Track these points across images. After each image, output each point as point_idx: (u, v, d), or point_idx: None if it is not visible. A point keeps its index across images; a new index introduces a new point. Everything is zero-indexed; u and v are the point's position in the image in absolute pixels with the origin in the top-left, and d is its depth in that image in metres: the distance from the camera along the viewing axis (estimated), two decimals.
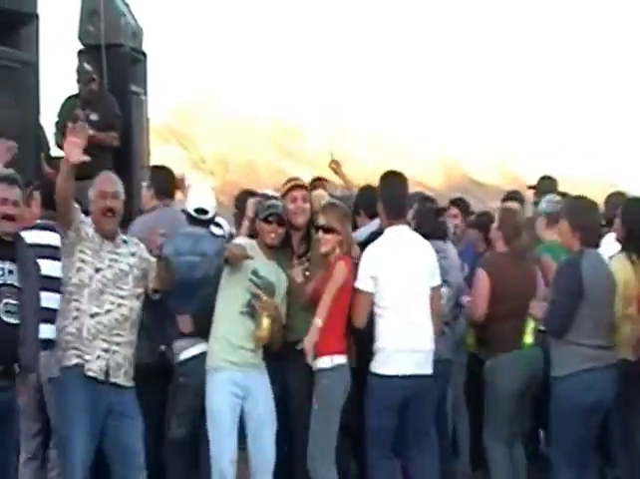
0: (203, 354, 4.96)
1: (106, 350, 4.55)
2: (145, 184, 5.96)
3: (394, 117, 24.92)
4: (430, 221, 5.46)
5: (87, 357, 4.53)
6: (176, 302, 5.04)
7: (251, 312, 4.83)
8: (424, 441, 4.97)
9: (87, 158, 4.42)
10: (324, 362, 4.82)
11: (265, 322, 4.77)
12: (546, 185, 6.93)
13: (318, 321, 4.73)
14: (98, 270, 4.59)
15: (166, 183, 5.88)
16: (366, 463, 4.99)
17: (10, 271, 4.43)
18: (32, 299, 4.48)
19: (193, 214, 5.25)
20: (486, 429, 5.33)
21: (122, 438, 4.58)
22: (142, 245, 4.80)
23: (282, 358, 4.98)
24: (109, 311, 4.58)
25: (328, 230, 4.88)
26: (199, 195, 5.40)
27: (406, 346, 4.84)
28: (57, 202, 4.54)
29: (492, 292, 5.22)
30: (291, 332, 4.97)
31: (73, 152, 4.40)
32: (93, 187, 4.73)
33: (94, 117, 7.10)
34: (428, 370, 4.93)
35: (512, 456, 5.29)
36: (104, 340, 4.55)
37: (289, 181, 5.35)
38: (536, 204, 6.50)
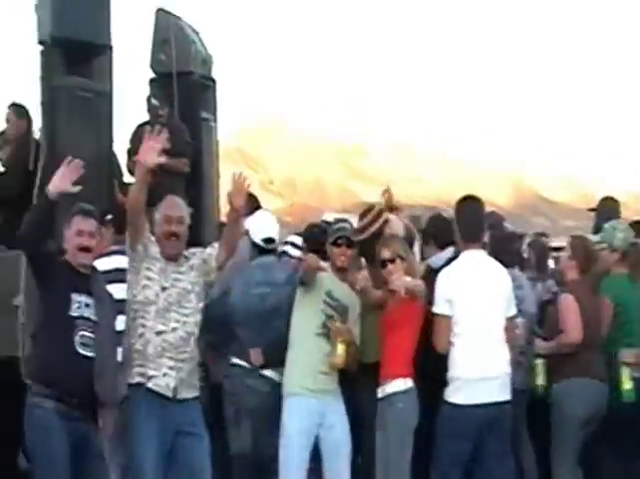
0: (251, 371, 5.05)
1: (171, 368, 4.58)
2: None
3: (459, 134, 24.85)
4: (505, 247, 5.41)
5: (152, 373, 4.55)
6: (248, 335, 5.08)
7: (327, 334, 4.85)
8: (499, 471, 4.88)
9: (163, 160, 4.46)
10: (398, 385, 4.78)
11: (340, 348, 4.78)
12: (608, 206, 6.74)
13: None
14: (164, 289, 4.63)
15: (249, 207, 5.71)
16: None
17: (87, 305, 4.54)
18: (109, 333, 4.56)
19: (262, 244, 5.26)
20: (555, 456, 5.30)
21: (190, 458, 4.61)
22: (195, 249, 4.83)
23: (354, 381, 4.98)
24: (174, 329, 4.62)
25: (395, 260, 4.87)
26: (265, 222, 5.39)
27: (480, 374, 4.78)
28: (128, 211, 4.61)
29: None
30: (363, 354, 4.96)
31: (149, 155, 4.50)
32: (158, 210, 4.80)
33: (165, 144, 7.20)
34: (504, 397, 4.85)
35: None
36: (170, 358, 4.58)
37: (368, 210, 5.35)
38: (598, 229, 6.25)
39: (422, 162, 23.89)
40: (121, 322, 4.77)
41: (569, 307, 5.27)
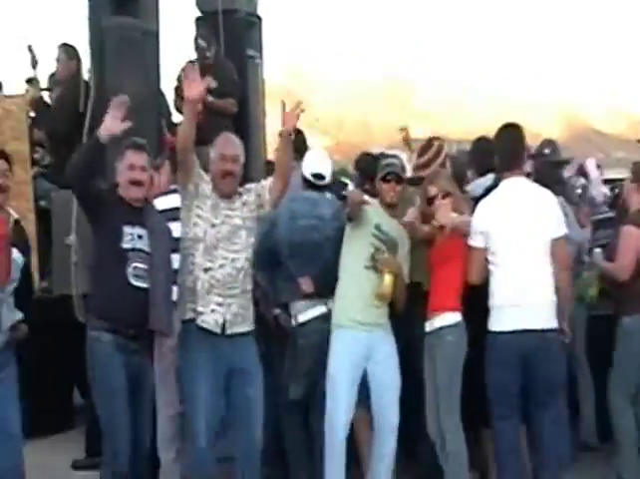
0: (323, 316, 5.02)
1: (220, 304, 4.59)
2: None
3: (508, 68, 24.44)
4: (547, 174, 5.39)
5: (201, 309, 4.57)
6: (296, 265, 5.11)
7: (375, 266, 4.85)
8: (550, 400, 4.83)
9: (207, 96, 4.48)
10: (448, 319, 4.80)
11: (387, 279, 4.79)
12: None
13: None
14: (213, 226, 4.63)
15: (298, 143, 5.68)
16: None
17: (139, 236, 4.58)
18: (162, 264, 4.60)
19: (311, 179, 5.27)
20: (612, 386, 5.27)
21: (242, 394, 4.64)
22: (251, 185, 4.85)
23: (406, 315, 4.98)
24: (222, 266, 4.61)
25: (445, 195, 4.86)
26: (317, 159, 5.36)
27: (518, 301, 4.73)
28: (178, 150, 4.58)
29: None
30: (421, 283, 4.96)
31: (192, 89, 4.48)
32: (213, 148, 4.78)
33: (212, 84, 7.24)
34: (548, 324, 4.75)
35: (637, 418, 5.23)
36: (218, 295, 4.59)
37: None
38: None
39: (471, 97, 23.46)
40: (176, 261, 4.83)
41: (629, 241, 5.20)
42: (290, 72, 24.28)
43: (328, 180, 5.31)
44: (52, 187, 6.79)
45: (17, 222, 4.78)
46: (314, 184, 5.27)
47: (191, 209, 4.64)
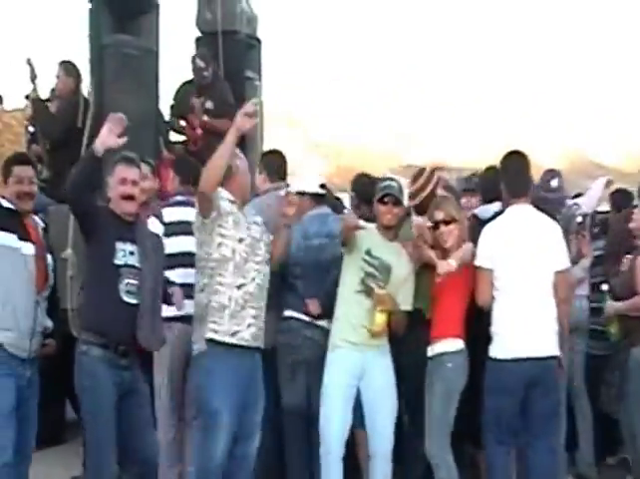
0: (307, 322, 5.13)
1: (255, 317, 4.64)
2: (259, 168, 6.07)
3: (509, 99, 24.61)
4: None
5: (236, 329, 4.57)
6: (305, 285, 5.19)
7: (367, 291, 4.88)
8: (547, 428, 4.87)
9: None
10: (449, 346, 4.83)
11: (379, 317, 4.81)
12: None
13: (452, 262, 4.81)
14: (241, 241, 4.64)
15: (279, 166, 5.90)
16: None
17: (131, 253, 4.61)
18: (150, 280, 4.63)
19: (320, 190, 5.31)
20: (629, 422, 5.36)
21: (256, 398, 4.70)
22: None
23: (398, 340, 5.01)
24: (253, 279, 4.65)
25: (449, 222, 4.91)
26: (312, 172, 5.53)
27: (521, 329, 4.78)
28: (209, 181, 4.46)
29: None
30: (420, 302, 4.98)
31: (245, 122, 4.54)
32: (238, 163, 4.81)
33: (209, 105, 7.41)
34: (549, 352, 4.82)
35: None
36: (252, 308, 4.63)
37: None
38: None
39: (471, 125, 23.63)
40: (183, 275, 4.94)
41: None
42: (290, 96, 24.47)
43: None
44: (49, 201, 6.87)
45: (45, 229, 4.91)
46: (322, 195, 5.33)
47: (213, 229, 4.62)
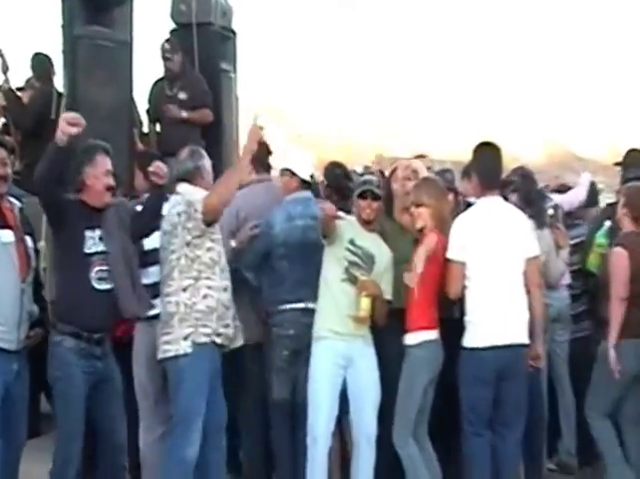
0: (301, 309, 5.12)
1: (234, 318, 4.78)
2: None
3: (489, 90, 24.68)
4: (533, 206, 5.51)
5: (222, 330, 4.70)
6: (288, 265, 5.19)
7: (351, 279, 4.95)
8: (516, 418, 4.94)
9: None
10: (410, 339, 4.91)
11: (364, 303, 4.88)
12: (633, 158, 6.63)
13: (408, 279, 4.84)
14: (224, 246, 4.82)
15: (264, 156, 5.80)
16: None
17: (100, 238, 4.65)
18: (118, 258, 4.65)
19: (309, 179, 5.36)
20: (590, 405, 5.37)
21: (219, 400, 4.79)
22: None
23: (378, 330, 5.06)
24: (230, 281, 4.81)
25: (419, 205, 4.98)
26: (306, 160, 5.49)
27: (493, 317, 4.83)
28: (227, 197, 4.64)
29: (630, 273, 5.23)
30: (397, 300, 5.03)
31: (254, 144, 4.67)
32: (204, 163, 4.92)
33: (182, 96, 7.42)
34: (520, 340, 4.87)
35: (625, 439, 5.31)
36: (233, 309, 4.78)
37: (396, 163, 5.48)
38: (626, 181, 6.18)
39: (452, 117, 23.65)
40: (153, 274, 4.94)
41: (619, 263, 5.27)
42: (270, 87, 24.47)
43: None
44: (22, 193, 6.87)
45: (21, 209, 4.84)
46: (308, 183, 5.38)
47: (205, 233, 4.70)
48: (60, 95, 6.97)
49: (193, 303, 4.65)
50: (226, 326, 4.73)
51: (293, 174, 5.28)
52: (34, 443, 6.33)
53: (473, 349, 4.84)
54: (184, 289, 4.67)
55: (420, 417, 4.92)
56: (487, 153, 5.10)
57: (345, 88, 24.46)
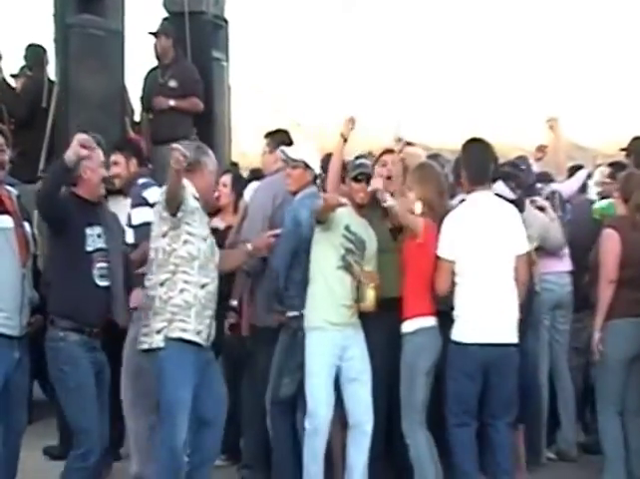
0: None
1: (211, 317, 4.74)
2: (267, 147, 5.88)
3: (493, 80, 24.69)
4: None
5: (199, 328, 4.66)
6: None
7: (347, 267, 4.96)
8: (506, 410, 4.97)
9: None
10: (406, 326, 4.92)
11: (371, 294, 4.89)
12: (637, 146, 6.70)
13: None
14: (205, 240, 4.72)
15: (290, 144, 5.75)
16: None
17: (99, 235, 4.66)
18: (119, 262, 4.73)
19: (322, 173, 5.33)
20: (597, 397, 5.36)
21: (216, 387, 4.82)
22: None
23: (367, 317, 5.08)
24: (213, 280, 4.74)
25: (391, 151, 5.08)
26: (316, 155, 5.40)
27: (482, 314, 4.84)
28: (171, 197, 4.56)
29: (621, 256, 5.23)
30: (381, 290, 5.02)
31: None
32: (206, 160, 4.80)
33: (173, 84, 7.45)
34: (509, 339, 4.89)
35: (629, 428, 5.28)
36: (210, 308, 4.73)
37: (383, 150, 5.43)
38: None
39: (453, 107, 23.71)
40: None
41: (610, 245, 5.27)
42: (268, 74, 24.47)
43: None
44: (14, 181, 6.94)
45: (19, 197, 4.85)
46: (317, 178, 5.38)
47: (180, 226, 4.65)
48: (52, 83, 7.03)
49: (169, 297, 4.64)
50: (207, 326, 4.71)
51: (307, 167, 5.22)
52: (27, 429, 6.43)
53: (459, 344, 4.86)
54: (162, 284, 4.67)
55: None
56: (476, 148, 5.12)
57: (344, 79, 24.48)
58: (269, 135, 5.92)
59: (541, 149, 7.04)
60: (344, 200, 4.97)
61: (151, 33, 7.55)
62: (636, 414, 5.34)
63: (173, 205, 4.57)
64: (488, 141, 5.18)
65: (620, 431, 5.27)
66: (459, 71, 24.38)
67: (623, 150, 6.94)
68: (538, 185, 6.38)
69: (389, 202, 4.87)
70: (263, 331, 5.35)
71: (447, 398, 4.90)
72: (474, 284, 4.88)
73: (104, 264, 4.65)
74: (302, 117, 24.57)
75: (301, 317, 5.04)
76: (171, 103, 7.33)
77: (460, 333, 4.88)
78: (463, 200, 5.14)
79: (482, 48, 24.60)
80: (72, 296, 4.59)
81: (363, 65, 24.53)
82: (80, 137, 4.44)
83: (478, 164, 5.05)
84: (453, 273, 4.90)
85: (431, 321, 4.96)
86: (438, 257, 4.91)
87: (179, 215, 4.60)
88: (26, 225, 4.72)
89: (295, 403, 5.14)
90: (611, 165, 6.61)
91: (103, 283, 4.65)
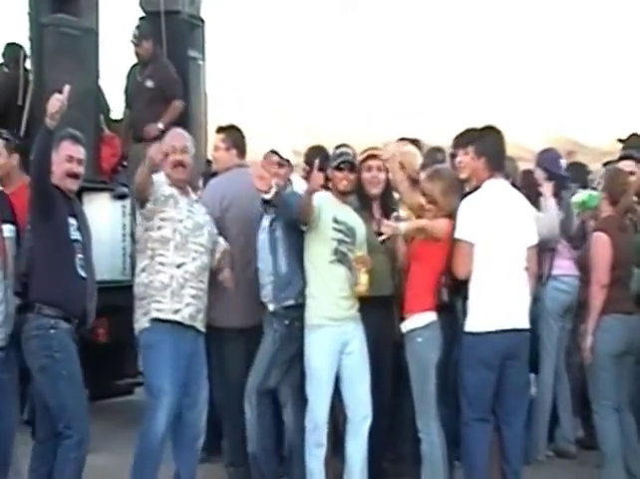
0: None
1: (193, 296, 4.90)
2: (223, 144, 5.97)
3: (494, 78, 24.78)
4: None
5: (177, 306, 4.84)
6: None
7: (340, 259, 5.06)
8: (521, 404, 5.03)
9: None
10: (418, 321, 4.96)
11: (364, 278, 4.96)
12: (635, 142, 6.84)
13: (402, 227, 4.98)
14: (180, 222, 4.92)
15: (244, 142, 5.94)
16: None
17: (77, 228, 4.82)
18: (91, 253, 4.89)
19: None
20: (592, 396, 5.46)
21: (197, 380, 5.01)
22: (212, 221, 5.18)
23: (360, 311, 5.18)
24: (194, 259, 4.92)
25: (430, 201, 5.05)
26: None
27: (501, 301, 4.87)
28: (139, 190, 4.86)
29: (612, 259, 5.31)
30: (371, 286, 5.08)
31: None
32: (164, 141, 5.10)
33: (149, 84, 7.66)
34: (524, 324, 4.95)
35: (622, 423, 5.35)
36: (192, 287, 4.89)
37: (365, 151, 5.50)
38: (620, 157, 6.38)
39: (454, 104, 23.82)
40: None
41: (601, 249, 5.35)
42: (268, 73, 24.59)
43: None
44: None
45: (2, 193, 4.98)
46: None
47: (153, 217, 4.91)
48: (27, 81, 7.20)
49: (150, 281, 4.88)
50: (186, 305, 4.87)
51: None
52: None
53: (478, 334, 4.86)
54: (143, 269, 4.92)
55: None
56: (495, 135, 5.16)
57: (343, 73, 24.58)
58: (223, 130, 5.99)
59: (570, 154, 7.07)
60: (327, 203, 5.08)
61: (132, 42, 7.74)
62: (627, 409, 5.43)
63: (140, 198, 4.86)
64: (501, 129, 5.20)
65: (618, 428, 5.35)
66: (457, 69, 24.50)
67: (620, 141, 7.05)
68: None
69: (402, 227, 4.97)
70: (226, 332, 5.48)
71: (463, 392, 4.92)
72: (490, 270, 4.90)
73: (82, 256, 4.78)
74: (300, 113, 24.72)
75: (297, 307, 5.14)
76: (160, 126, 7.45)
77: (477, 322, 4.90)
78: (477, 187, 5.14)
79: (482, 46, 24.71)
80: (60, 285, 4.68)
81: (362, 65, 24.67)
82: (51, 101, 4.56)
83: (496, 150, 5.11)
84: (472, 258, 4.90)
85: (435, 316, 5.00)
86: (456, 240, 4.93)
87: (149, 206, 4.86)
88: (4, 227, 4.79)
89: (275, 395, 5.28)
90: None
91: (83, 274, 4.77)
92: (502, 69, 24.63)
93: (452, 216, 5.01)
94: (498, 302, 4.87)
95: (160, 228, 4.90)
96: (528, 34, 24.79)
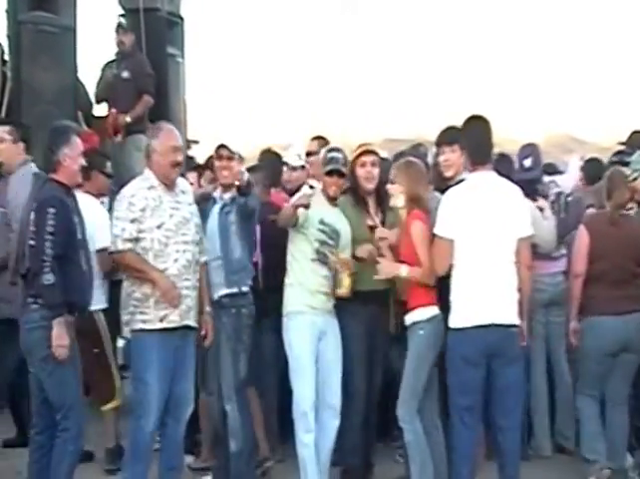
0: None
1: (180, 296, 4.89)
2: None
3: (492, 74, 24.95)
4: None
5: (162, 313, 4.86)
6: None
7: (321, 259, 5.22)
8: (512, 405, 4.87)
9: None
10: (420, 314, 4.96)
11: (347, 281, 5.14)
12: (637, 139, 6.82)
13: (403, 271, 5.00)
14: (159, 227, 4.88)
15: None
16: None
17: (79, 223, 4.88)
18: (88, 246, 4.99)
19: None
20: (578, 382, 5.55)
21: (186, 375, 5.04)
22: (188, 187, 5.24)
23: (345, 309, 5.29)
24: (176, 260, 4.90)
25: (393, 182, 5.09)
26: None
27: (483, 296, 4.78)
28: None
29: (590, 251, 5.38)
30: (359, 282, 5.20)
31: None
32: (158, 139, 4.93)
33: (125, 74, 7.82)
34: (510, 320, 4.81)
35: (607, 417, 5.40)
36: (177, 288, 4.88)
37: (360, 146, 5.52)
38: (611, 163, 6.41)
39: (451, 100, 24.01)
40: None
41: (579, 241, 5.42)
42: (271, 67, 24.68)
43: None
44: None
45: None
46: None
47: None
48: (5, 78, 7.35)
49: (132, 291, 4.95)
50: (172, 310, 4.92)
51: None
52: None
53: (458, 330, 4.79)
54: (126, 278, 5.02)
55: (429, 394, 5.07)
56: (477, 126, 5.00)
57: (342, 70, 24.75)
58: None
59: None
60: (316, 200, 5.22)
61: (119, 26, 7.91)
62: (614, 404, 5.46)
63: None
64: (488, 119, 5.05)
65: (596, 410, 5.43)
66: (457, 67, 24.66)
67: (622, 144, 6.98)
68: (546, 178, 6.49)
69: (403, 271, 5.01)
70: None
71: (450, 392, 4.84)
72: (470, 266, 4.82)
73: (83, 250, 4.87)
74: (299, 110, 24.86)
75: (242, 295, 5.26)
76: (128, 119, 7.64)
77: (458, 318, 4.81)
78: (462, 180, 5.09)
79: (481, 44, 24.87)
80: (72, 280, 4.76)
81: (362, 65, 24.82)
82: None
83: (478, 143, 4.95)
84: (451, 254, 4.84)
85: (436, 310, 4.99)
86: (435, 236, 4.88)
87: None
88: None
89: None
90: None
91: (85, 268, 4.87)
92: (502, 67, 24.83)
93: (423, 208, 5.06)
94: (478, 298, 4.77)
95: (138, 240, 4.91)
96: (528, 32, 24.97)
